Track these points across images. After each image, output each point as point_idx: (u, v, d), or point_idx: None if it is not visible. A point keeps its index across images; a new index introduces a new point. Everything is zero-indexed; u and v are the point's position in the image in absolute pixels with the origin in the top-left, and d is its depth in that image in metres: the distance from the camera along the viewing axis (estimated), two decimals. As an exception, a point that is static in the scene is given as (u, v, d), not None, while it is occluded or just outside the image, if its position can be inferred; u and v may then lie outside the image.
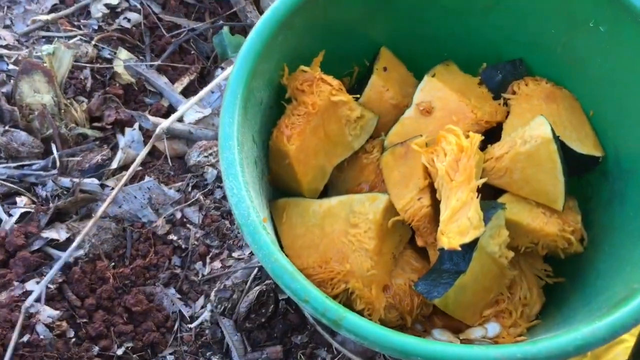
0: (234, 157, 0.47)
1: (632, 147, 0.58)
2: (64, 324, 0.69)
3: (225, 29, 0.93)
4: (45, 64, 0.80)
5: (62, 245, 0.74)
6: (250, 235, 0.46)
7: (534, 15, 0.59)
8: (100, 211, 0.72)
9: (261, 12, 0.94)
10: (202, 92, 0.79)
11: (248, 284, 0.73)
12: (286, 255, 0.52)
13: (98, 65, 0.87)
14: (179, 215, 0.79)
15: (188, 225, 0.78)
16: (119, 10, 0.92)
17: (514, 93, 0.63)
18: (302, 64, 0.59)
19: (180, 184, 0.81)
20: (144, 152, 0.72)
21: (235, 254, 0.76)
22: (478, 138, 0.53)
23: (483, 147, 0.60)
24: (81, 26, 0.90)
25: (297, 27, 0.55)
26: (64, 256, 0.71)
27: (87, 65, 0.86)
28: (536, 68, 0.64)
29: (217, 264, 0.76)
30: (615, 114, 0.60)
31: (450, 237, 0.50)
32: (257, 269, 0.74)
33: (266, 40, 0.52)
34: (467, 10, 0.62)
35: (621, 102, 0.58)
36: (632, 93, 0.56)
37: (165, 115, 0.87)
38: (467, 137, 0.54)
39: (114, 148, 0.82)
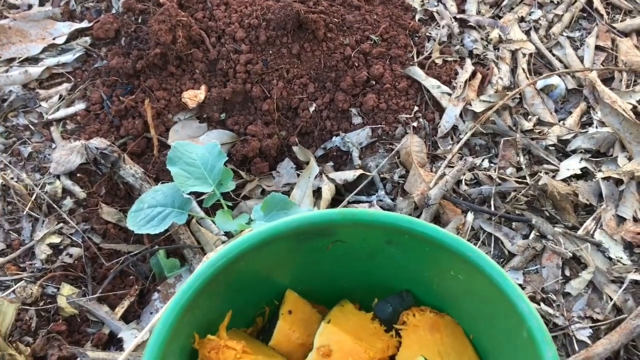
0: None
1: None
2: None
3: (161, 252, 1.02)
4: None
5: None
6: None
7: (409, 263, 0.69)
8: None
9: (193, 234, 1.04)
10: (140, 337, 0.86)
11: None
12: None
13: (42, 303, 0.95)
14: None
15: None
16: (61, 247, 1.01)
17: (403, 323, 0.72)
18: (213, 326, 0.67)
19: (121, 414, 0.86)
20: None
21: None
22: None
23: (380, 380, 0.69)
24: (26, 267, 0.98)
25: (202, 304, 0.64)
26: None
27: (31, 307, 0.93)
28: (421, 298, 0.74)
29: None
30: (489, 339, 0.69)
31: None
32: None
33: (173, 324, 0.60)
34: (354, 257, 0.72)
35: (492, 331, 0.68)
36: (497, 325, 0.66)
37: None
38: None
39: (58, 388, 0.88)
